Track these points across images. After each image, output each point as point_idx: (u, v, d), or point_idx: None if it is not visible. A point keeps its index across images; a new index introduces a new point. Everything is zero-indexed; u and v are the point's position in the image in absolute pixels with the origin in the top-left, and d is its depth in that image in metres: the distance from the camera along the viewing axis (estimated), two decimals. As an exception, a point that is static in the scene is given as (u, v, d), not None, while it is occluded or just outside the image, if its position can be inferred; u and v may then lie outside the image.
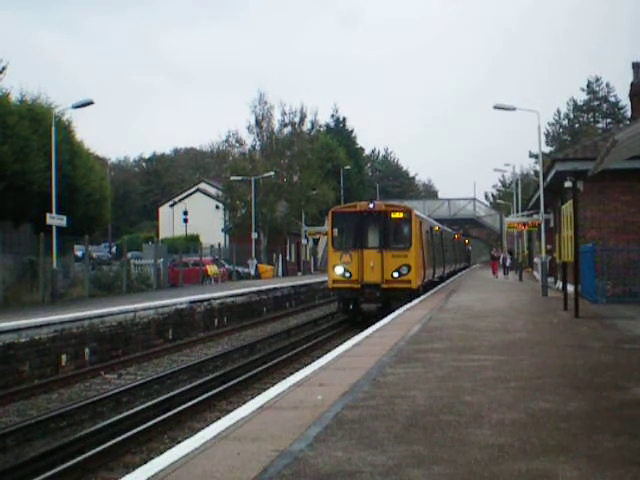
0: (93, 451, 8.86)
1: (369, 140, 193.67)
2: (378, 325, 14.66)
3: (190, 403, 11.49)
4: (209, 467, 4.97)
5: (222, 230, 55.90)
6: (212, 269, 39.00)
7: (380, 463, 4.94)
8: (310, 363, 10.49)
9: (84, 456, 8.69)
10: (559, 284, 24.30)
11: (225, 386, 13.02)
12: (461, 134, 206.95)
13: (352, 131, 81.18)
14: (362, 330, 14.36)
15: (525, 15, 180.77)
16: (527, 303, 20.26)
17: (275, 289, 30.61)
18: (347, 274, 22.02)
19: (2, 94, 26.72)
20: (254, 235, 46.89)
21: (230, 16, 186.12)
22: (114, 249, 50.40)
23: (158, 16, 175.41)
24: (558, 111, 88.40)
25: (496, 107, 27.52)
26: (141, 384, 13.56)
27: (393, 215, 22.62)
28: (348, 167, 66.99)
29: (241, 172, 49.70)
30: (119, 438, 9.39)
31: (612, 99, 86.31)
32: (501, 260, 43.21)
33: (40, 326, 15.13)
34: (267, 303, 29.15)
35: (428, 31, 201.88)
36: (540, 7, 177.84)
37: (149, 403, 11.64)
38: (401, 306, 19.34)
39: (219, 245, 45.92)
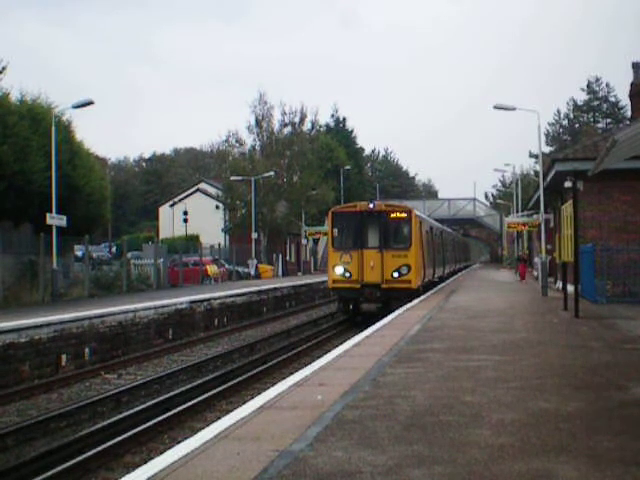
0: (93, 451, 8.86)
1: (369, 140, 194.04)
2: (378, 325, 14.65)
3: (190, 403, 11.49)
4: (209, 467, 4.97)
5: (222, 230, 55.87)
6: (212, 269, 38.98)
7: (380, 463, 4.94)
8: (310, 363, 10.49)
9: (84, 456, 8.69)
10: (559, 284, 24.29)
11: (225, 386, 13.02)
12: (461, 134, 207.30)
13: (352, 131, 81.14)
14: (362, 330, 14.35)
15: (527, 18, 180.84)
16: (527, 303, 20.25)
17: (275, 289, 30.60)
18: (347, 274, 22.01)
19: (2, 94, 26.70)
20: (254, 235, 46.87)
21: (231, 16, 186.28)
22: (114, 249, 50.38)
23: (158, 15, 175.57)
24: (558, 111, 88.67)
25: (496, 107, 27.52)
26: (141, 384, 13.56)
27: (393, 215, 22.61)
28: (348, 167, 66.94)
29: (241, 172, 49.68)
30: (119, 438, 9.39)
31: (612, 99, 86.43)
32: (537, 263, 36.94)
33: (40, 326, 15.12)
34: (267, 303, 29.14)
35: (430, 33, 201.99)
36: (542, 10, 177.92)
37: (149, 403, 11.65)
38: (401, 306, 19.34)
39: (219, 245, 45.89)
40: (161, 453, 5.93)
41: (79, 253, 33.16)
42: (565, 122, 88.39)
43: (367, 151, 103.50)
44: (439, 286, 28.98)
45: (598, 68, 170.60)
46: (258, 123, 53.60)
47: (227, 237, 55.57)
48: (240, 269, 43.50)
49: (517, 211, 48.57)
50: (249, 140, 54.65)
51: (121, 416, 10.73)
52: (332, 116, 79.59)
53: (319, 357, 11.62)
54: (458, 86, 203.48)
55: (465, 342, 11.34)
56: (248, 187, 48.72)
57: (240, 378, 13.77)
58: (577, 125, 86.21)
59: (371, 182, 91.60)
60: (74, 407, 11.46)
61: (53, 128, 24.82)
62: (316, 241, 59.86)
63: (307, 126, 56.49)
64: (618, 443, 5.40)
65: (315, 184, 54.06)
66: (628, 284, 19.38)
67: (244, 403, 7.82)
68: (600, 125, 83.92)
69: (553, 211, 30.03)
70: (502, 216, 67.72)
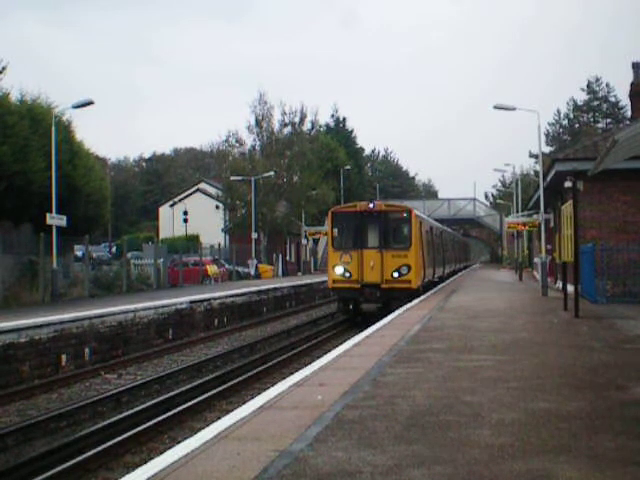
0: (93, 451, 8.85)
1: (369, 140, 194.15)
2: (378, 325, 14.65)
3: (190, 403, 11.49)
4: (209, 467, 4.97)
5: (222, 230, 55.88)
6: (212, 269, 38.98)
7: (380, 463, 4.94)
8: (310, 363, 10.49)
9: (84, 456, 8.68)
10: (559, 284, 24.27)
11: (225, 386, 13.02)
12: (461, 134, 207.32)
13: (352, 131, 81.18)
14: (362, 330, 14.35)
15: (527, 18, 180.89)
16: (527, 303, 20.24)
17: (275, 289, 30.60)
18: (347, 274, 22.00)
19: (2, 94, 26.70)
20: (254, 235, 46.87)
21: (232, 16, 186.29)
22: (114, 249, 50.39)
23: (158, 15, 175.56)
24: (558, 111, 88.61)
25: (496, 107, 27.52)
26: (141, 384, 13.56)
27: (393, 215, 22.60)
28: (348, 167, 66.94)
29: (241, 172, 49.68)
30: (119, 438, 9.38)
31: (612, 99, 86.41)
32: None
33: (40, 326, 15.11)
34: (267, 303, 29.14)
35: (430, 33, 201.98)
36: (542, 10, 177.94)
37: (149, 403, 11.64)
38: (401, 306, 19.33)
39: (219, 245, 45.91)
40: (161, 453, 5.93)
41: (79, 253, 33.17)
42: (565, 122, 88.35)
43: (367, 151, 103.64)
44: (439, 286, 28.97)
45: (598, 68, 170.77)
46: (258, 123, 53.58)
47: (227, 237, 55.57)
48: (240, 269, 43.50)
49: (517, 211, 48.56)
50: (249, 140, 54.70)
51: (121, 416, 10.73)
52: (332, 116, 79.71)
53: (319, 357, 11.62)
54: (458, 86, 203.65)
55: (465, 342, 11.34)
56: (248, 187, 48.72)
57: (240, 378, 13.77)
58: (577, 125, 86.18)
59: (371, 182, 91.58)
60: (74, 407, 11.46)
61: (53, 128, 24.82)
62: (316, 241, 59.86)
63: (307, 126, 56.55)
64: (618, 443, 5.39)
65: (315, 184, 54.05)
66: (628, 284, 19.37)
67: (244, 403, 7.81)
68: (600, 125, 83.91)
69: (553, 211, 30.02)
70: (502, 216, 67.74)
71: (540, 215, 27.66)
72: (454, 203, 77.33)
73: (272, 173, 49.22)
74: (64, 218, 24.77)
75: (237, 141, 54.47)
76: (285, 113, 54.48)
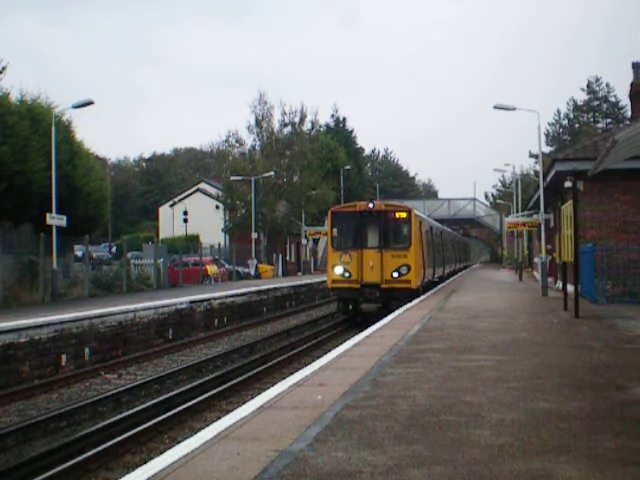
0: (93, 451, 8.85)
1: (369, 140, 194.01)
2: (378, 325, 14.65)
3: (190, 403, 11.49)
4: (209, 467, 4.97)
5: (222, 230, 55.87)
6: (212, 269, 38.98)
7: (380, 463, 4.94)
8: (310, 363, 10.49)
9: (84, 456, 8.68)
10: (559, 284, 24.25)
11: (225, 386, 13.02)
12: (461, 134, 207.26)
13: (352, 131, 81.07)
14: (362, 330, 14.35)
15: (527, 18, 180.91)
16: (527, 303, 20.24)
17: (275, 289, 30.60)
18: (347, 274, 21.99)
19: (2, 94, 26.68)
20: (254, 235, 46.87)
21: (231, 16, 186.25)
22: (114, 249, 50.38)
23: (158, 15, 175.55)
24: (558, 111, 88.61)
25: (496, 107, 27.52)
26: (141, 384, 13.56)
27: (393, 215, 22.58)
28: (348, 167, 66.90)
29: (241, 172, 49.67)
30: (119, 438, 9.38)
31: (612, 99, 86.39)
32: None
33: (40, 326, 15.11)
34: (267, 303, 29.14)
35: (430, 33, 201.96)
36: (542, 10, 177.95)
37: (149, 403, 11.64)
38: (401, 306, 19.33)
39: (219, 245, 45.90)
40: (161, 453, 5.93)
41: (79, 253, 33.16)
42: (565, 122, 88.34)
43: (367, 151, 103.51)
44: (439, 286, 28.97)
45: (598, 68, 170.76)
46: (258, 123, 53.55)
47: (227, 237, 55.57)
48: (240, 269, 43.49)
49: (517, 211, 48.55)
50: (249, 140, 54.65)
51: (121, 416, 10.73)
52: (332, 116, 79.56)
53: (319, 357, 11.61)
54: (458, 86, 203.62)
55: (465, 342, 11.34)
56: (248, 187, 48.70)
57: (240, 378, 13.77)
58: (577, 125, 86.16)
59: (371, 182, 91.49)
60: (74, 407, 11.46)
61: (53, 128, 24.81)
62: (316, 241, 59.84)
63: (307, 126, 56.49)
64: (618, 443, 5.39)
65: (315, 184, 54.02)
66: (628, 284, 19.37)
67: (244, 403, 7.81)
68: (600, 125, 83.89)
69: (553, 211, 30.02)
70: (502, 216, 67.74)
71: (540, 215, 27.66)
72: (454, 203, 77.32)
73: (272, 173, 49.20)
74: (64, 218, 24.76)
75: (237, 141, 54.47)
76: (285, 113, 54.50)
